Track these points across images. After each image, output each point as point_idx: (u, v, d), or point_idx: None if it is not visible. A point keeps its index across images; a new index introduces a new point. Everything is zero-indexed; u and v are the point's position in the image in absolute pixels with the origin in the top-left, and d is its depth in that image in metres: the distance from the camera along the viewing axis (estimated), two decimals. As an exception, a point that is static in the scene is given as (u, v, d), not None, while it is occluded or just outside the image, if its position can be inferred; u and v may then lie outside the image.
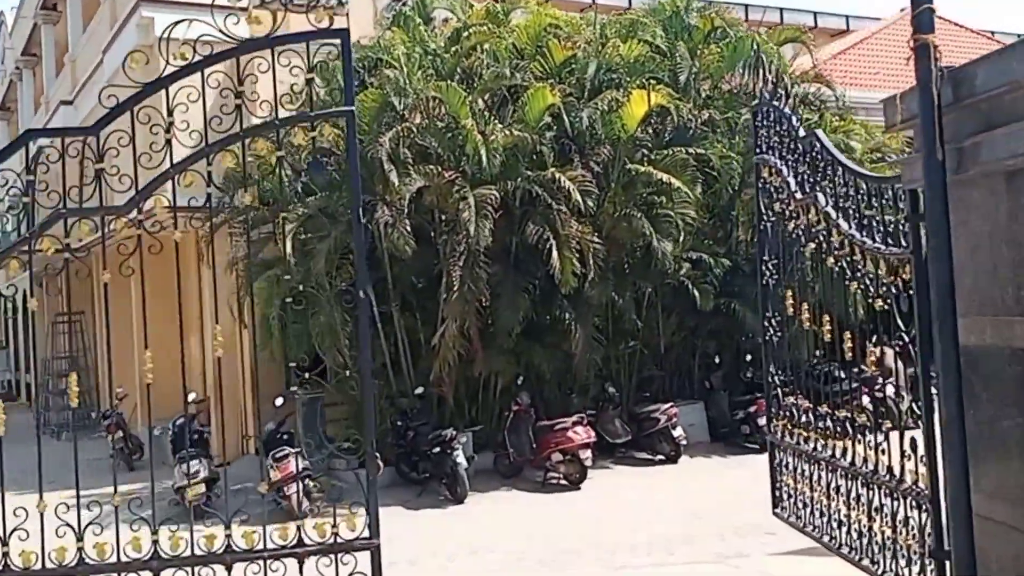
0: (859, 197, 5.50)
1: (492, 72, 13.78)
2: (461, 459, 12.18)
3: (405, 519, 11.55)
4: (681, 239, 13.74)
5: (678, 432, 13.96)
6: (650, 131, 14.29)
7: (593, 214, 13.40)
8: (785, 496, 7.02)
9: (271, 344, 13.58)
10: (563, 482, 12.84)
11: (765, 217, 6.99)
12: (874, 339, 5.73)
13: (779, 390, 7.07)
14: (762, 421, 14.57)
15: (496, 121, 13.29)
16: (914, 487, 5.12)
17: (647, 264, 14.67)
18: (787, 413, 6.89)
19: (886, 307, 5.30)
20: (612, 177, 13.81)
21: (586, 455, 12.54)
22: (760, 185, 7.10)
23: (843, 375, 6.49)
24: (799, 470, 6.68)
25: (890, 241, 5.20)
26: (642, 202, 13.95)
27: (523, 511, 11.77)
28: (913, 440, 5.07)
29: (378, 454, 6.15)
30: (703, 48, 15.37)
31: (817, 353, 6.96)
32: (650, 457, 14.32)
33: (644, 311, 15.20)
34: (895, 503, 5.31)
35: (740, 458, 14.13)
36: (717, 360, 15.81)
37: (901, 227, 5.10)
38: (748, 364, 15.90)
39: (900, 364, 8.97)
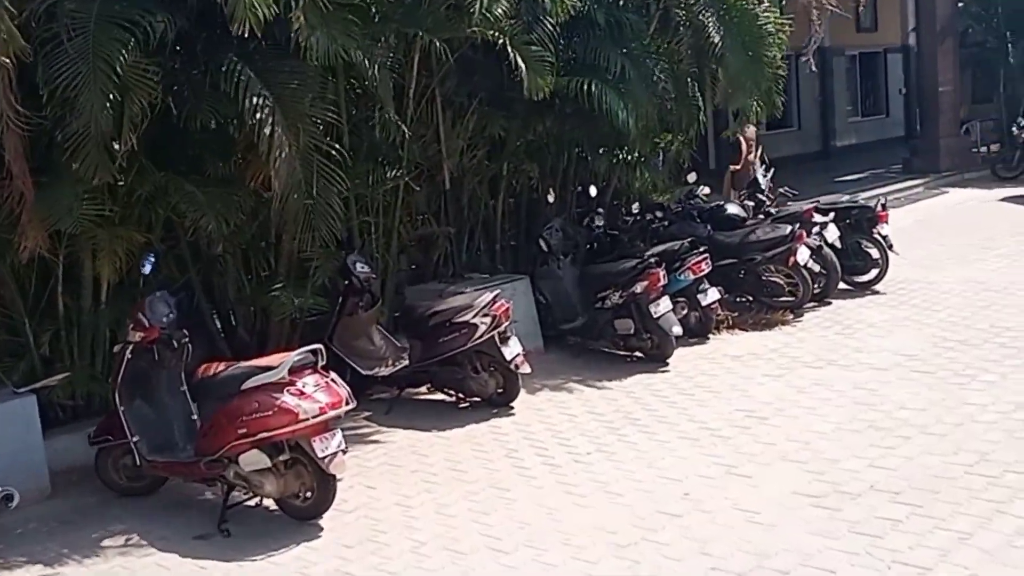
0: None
1: None
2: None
3: None
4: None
5: (513, 350, 6.57)
6: None
7: None
8: None
9: None
10: (273, 509, 5.18)
11: None
12: None
13: None
14: (659, 309, 7.73)
15: None
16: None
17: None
18: None
19: None
20: None
21: (329, 447, 4.83)
22: None
23: None
24: None
25: None
26: None
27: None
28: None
29: None
30: None
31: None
32: (450, 399, 6.95)
33: (415, 104, 7.46)
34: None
35: (625, 383, 7.12)
36: (550, 199, 8.51)
37: None
38: (597, 207, 8.88)
39: None
